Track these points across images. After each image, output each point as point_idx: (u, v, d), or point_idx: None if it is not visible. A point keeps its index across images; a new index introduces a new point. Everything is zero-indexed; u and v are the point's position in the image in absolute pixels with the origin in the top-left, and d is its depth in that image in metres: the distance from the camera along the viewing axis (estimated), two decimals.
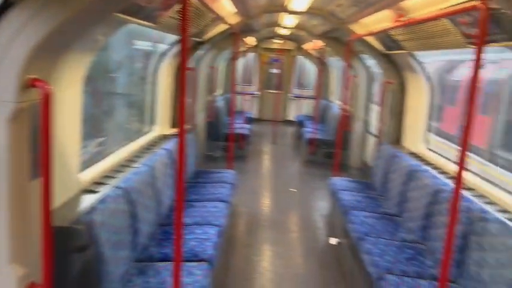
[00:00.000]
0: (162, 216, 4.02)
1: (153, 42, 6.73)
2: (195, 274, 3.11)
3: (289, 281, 4.29)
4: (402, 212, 4.54)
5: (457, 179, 2.36)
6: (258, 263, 4.60)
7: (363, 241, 3.92)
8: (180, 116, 2.42)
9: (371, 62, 7.35)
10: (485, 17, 2.27)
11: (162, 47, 5.83)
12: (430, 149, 5.46)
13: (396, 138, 6.17)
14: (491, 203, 3.55)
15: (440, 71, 17.82)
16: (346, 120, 7.99)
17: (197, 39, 5.89)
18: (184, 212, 4.28)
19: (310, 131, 9.30)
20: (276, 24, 8.57)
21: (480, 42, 2.23)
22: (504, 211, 3.35)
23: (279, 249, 4.99)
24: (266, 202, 6.74)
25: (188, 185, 5.16)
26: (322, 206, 6.51)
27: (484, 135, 12.91)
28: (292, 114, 13.69)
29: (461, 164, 2.34)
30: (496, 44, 2.81)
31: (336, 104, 10.54)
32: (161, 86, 5.65)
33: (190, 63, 6.39)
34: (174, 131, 5.78)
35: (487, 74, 13.30)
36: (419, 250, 3.80)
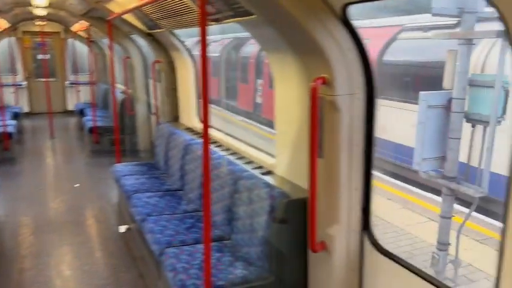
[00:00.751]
0: None
1: None
2: None
3: (76, 281, 4.00)
4: (183, 186, 4.75)
5: (204, 136, 2.45)
6: (37, 274, 4.10)
7: (146, 222, 3.94)
8: None
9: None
10: None
11: None
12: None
13: (175, 116, 6.34)
14: (250, 162, 4.05)
15: (228, 48, 19.12)
16: (128, 103, 7.77)
17: None
18: None
19: (91, 119, 8.70)
20: (27, 4, 7.48)
21: (202, 20, 2.38)
22: (259, 167, 3.87)
23: (66, 252, 4.59)
24: (49, 205, 6.04)
25: None
26: (111, 195, 6.25)
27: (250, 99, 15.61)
28: (72, 103, 12.48)
29: (205, 122, 2.44)
30: (225, 21, 3.11)
31: (117, 88, 10.11)
32: None
33: None
34: None
35: (252, 49, 15.15)
36: (199, 217, 4.06)
